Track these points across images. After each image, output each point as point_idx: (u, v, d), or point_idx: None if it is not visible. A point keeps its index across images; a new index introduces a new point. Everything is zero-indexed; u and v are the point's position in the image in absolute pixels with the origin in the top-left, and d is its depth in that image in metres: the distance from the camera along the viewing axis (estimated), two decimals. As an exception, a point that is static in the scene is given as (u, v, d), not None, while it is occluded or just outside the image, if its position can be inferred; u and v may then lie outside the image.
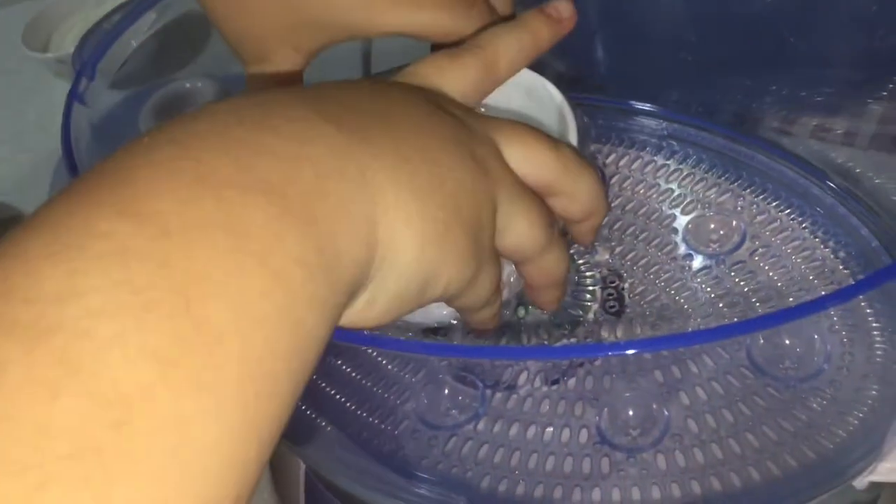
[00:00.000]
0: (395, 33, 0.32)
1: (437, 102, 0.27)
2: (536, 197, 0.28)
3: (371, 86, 0.26)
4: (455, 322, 0.35)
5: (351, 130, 0.22)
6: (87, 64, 0.38)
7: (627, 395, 0.36)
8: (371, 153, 0.22)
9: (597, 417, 0.36)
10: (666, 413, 0.35)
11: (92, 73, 0.38)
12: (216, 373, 0.16)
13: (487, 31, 0.31)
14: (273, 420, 0.18)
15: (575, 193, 0.29)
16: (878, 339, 0.36)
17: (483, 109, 0.34)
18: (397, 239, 0.22)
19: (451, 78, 0.29)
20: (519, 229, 0.27)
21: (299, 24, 0.32)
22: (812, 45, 0.43)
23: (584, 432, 0.36)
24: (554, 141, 0.29)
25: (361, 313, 0.23)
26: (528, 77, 0.33)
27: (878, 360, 0.35)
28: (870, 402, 0.34)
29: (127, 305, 0.16)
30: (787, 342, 0.36)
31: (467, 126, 0.26)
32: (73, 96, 0.36)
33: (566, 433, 0.36)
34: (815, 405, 0.34)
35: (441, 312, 0.33)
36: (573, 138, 0.32)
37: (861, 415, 0.34)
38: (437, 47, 0.32)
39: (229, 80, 0.50)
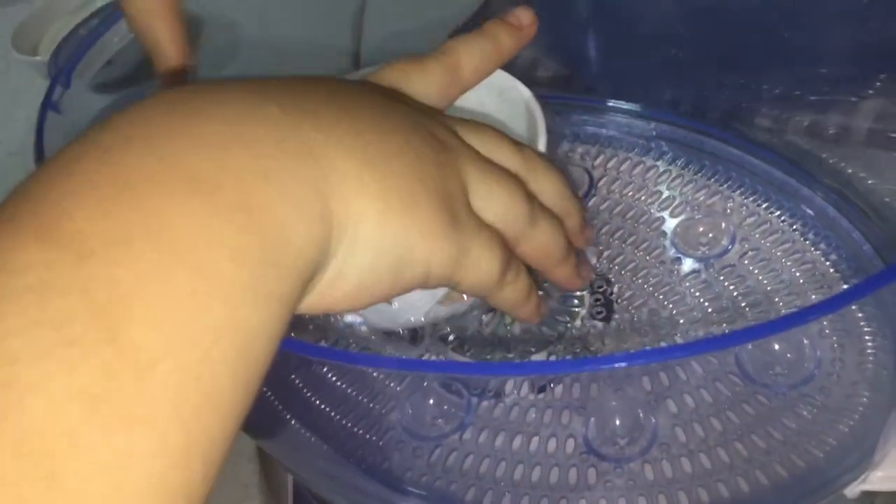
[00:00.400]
0: None
1: (395, 97, 0.26)
2: (505, 171, 0.27)
3: (322, 77, 0.25)
4: (422, 326, 0.35)
5: (295, 107, 0.21)
6: (61, 71, 0.37)
7: (614, 403, 0.35)
8: (317, 126, 0.21)
9: (583, 427, 0.35)
10: (653, 421, 0.35)
11: (67, 81, 0.37)
12: (149, 402, 0.16)
13: (451, 39, 0.31)
14: (219, 433, 0.17)
15: (541, 191, 0.29)
16: (869, 344, 0.35)
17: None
18: (355, 209, 0.21)
19: (415, 81, 0.29)
20: (500, 200, 0.26)
21: None
22: (805, 42, 0.42)
23: (570, 442, 0.35)
24: (517, 141, 0.28)
25: (331, 291, 0.22)
26: (500, 78, 0.34)
27: (869, 366, 0.35)
28: (861, 409, 0.33)
29: (48, 345, 0.15)
30: (777, 347, 0.35)
31: (427, 114, 0.26)
32: (48, 105, 0.36)
33: (552, 443, 0.35)
34: (805, 413, 0.34)
35: (409, 318, 0.33)
36: (542, 136, 0.32)
37: (852, 422, 0.33)
38: None
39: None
